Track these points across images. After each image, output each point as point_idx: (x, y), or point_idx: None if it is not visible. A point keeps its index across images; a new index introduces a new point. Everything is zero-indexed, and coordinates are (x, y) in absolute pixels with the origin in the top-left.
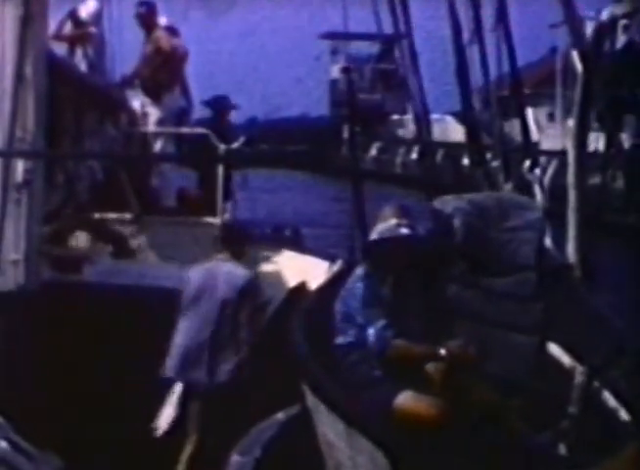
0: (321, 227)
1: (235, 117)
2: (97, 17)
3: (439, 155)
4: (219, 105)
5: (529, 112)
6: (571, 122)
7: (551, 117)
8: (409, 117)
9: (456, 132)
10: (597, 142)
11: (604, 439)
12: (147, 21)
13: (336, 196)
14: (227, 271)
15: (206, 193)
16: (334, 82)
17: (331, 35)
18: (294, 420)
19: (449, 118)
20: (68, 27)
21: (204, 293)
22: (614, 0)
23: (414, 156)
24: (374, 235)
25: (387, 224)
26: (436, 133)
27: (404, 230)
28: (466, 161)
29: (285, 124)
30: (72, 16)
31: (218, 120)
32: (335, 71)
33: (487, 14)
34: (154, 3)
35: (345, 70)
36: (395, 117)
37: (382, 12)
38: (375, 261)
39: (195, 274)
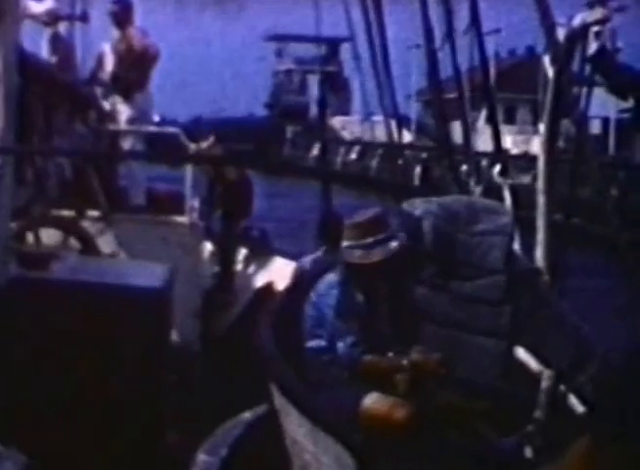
0: (267, 221)
1: (180, 116)
2: (53, 15)
3: (378, 156)
4: None
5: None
6: (542, 128)
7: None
8: (351, 118)
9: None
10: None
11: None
12: (121, 19)
13: (276, 192)
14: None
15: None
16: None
17: (275, 37)
18: (261, 420)
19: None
20: None
21: None
22: (585, 6)
23: (353, 156)
24: None
25: None
26: (381, 135)
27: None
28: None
29: (229, 124)
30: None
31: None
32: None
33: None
34: (129, 1)
35: (276, 74)
36: (338, 117)
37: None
38: (353, 270)
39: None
